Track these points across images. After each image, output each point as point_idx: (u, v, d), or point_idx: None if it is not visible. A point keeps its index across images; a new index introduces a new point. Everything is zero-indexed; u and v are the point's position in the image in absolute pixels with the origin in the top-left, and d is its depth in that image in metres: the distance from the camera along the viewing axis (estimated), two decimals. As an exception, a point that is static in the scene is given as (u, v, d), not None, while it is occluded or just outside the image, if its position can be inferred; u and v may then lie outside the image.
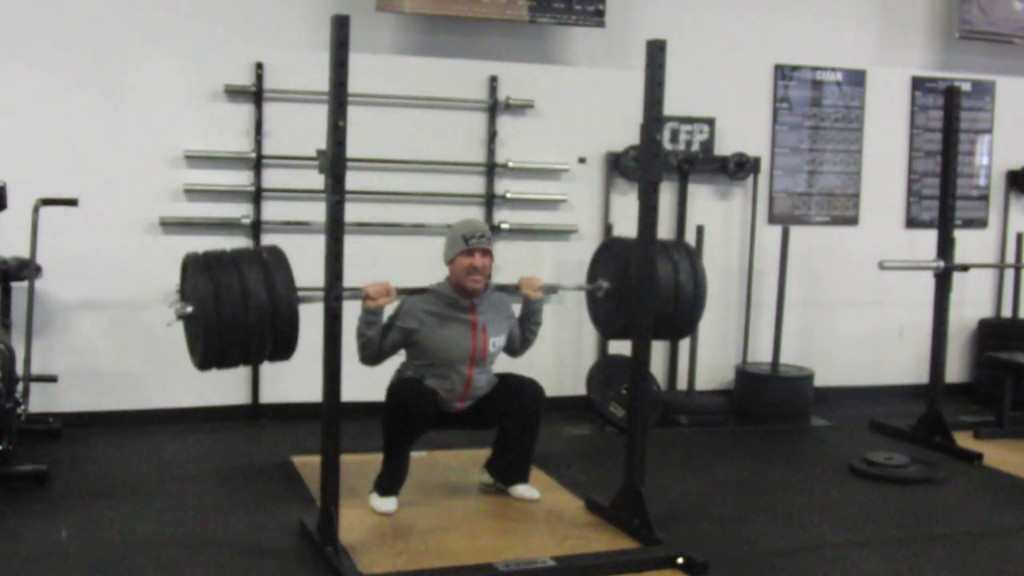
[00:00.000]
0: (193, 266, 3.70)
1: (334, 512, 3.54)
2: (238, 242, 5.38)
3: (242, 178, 5.41)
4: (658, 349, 6.00)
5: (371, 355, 4.11)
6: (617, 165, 5.92)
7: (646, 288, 3.88)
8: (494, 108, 5.73)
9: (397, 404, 4.08)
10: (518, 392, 4.26)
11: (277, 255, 3.75)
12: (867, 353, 6.60)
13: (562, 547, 3.77)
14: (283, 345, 3.73)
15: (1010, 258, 6.79)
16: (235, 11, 5.37)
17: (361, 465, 4.42)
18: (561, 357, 6.01)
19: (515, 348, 4.40)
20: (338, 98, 3.41)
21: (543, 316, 4.39)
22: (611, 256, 4.41)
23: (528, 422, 4.25)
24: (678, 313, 4.24)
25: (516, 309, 4.39)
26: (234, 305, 3.57)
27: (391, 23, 5.54)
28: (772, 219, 6.31)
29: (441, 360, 4.12)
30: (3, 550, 3.61)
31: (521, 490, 4.33)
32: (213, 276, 3.61)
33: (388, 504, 4.13)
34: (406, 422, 4.07)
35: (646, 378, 4.08)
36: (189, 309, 3.64)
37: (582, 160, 5.93)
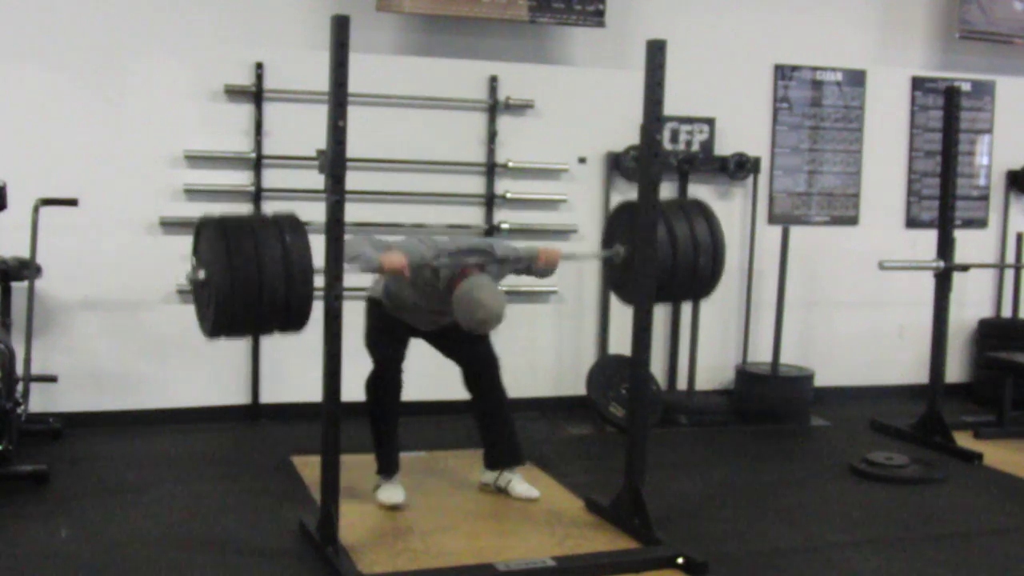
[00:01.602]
0: (207, 230, 3.51)
1: (334, 512, 3.54)
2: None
3: (242, 178, 5.41)
4: (658, 349, 6.00)
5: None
6: (617, 165, 5.91)
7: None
8: (494, 108, 5.73)
9: (375, 392, 4.23)
10: (479, 375, 4.36)
11: (294, 224, 3.53)
12: (867, 353, 6.60)
13: (562, 547, 3.77)
14: (296, 316, 3.51)
15: (1010, 258, 6.79)
16: (235, 11, 5.37)
17: (361, 465, 4.42)
18: (561, 357, 6.01)
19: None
20: (338, 98, 3.41)
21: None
22: (628, 220, 4.15)
23: (496, 407, 4.37)
24: (698, 273, 4.05)
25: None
26: (248, 273, 3.36)
27: (391, 23, 5.54)
28: (772, 219, 6.30)
29: (413, 306, 4.21)
30: (3, 550, 3.61)
31: (521, 489, 4.34)
32: (228, 241, 3.40)
33: (395, 495, 4.19)
34: (382, 406, 4.24)
35: (646, 378, 4.08)
36: (202, 275, 3.46)
37: (582, 160, 5.93)
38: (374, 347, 4.28)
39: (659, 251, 3.90)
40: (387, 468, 4.27)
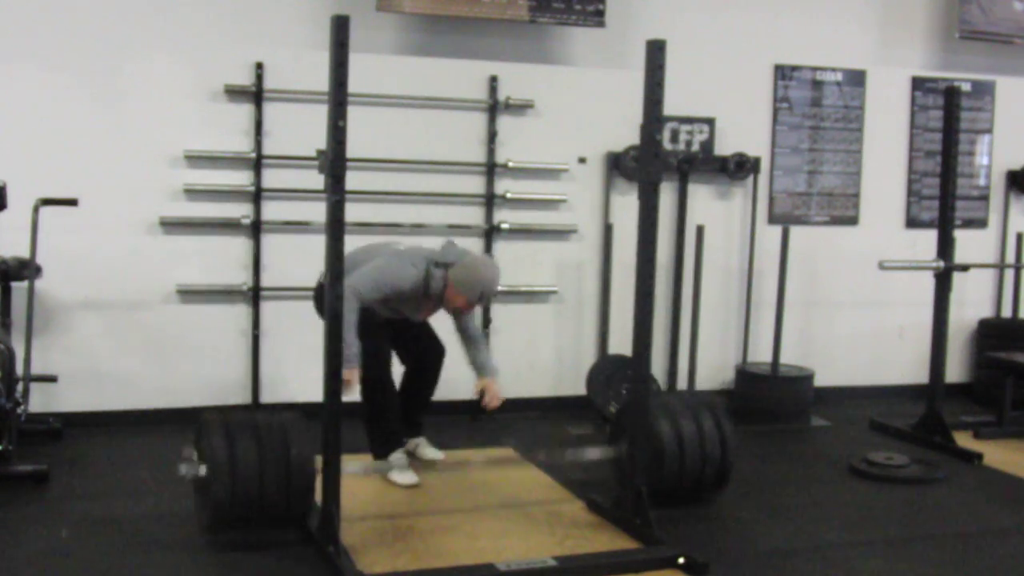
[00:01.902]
0: (208, 430, 3.64)
1: (334, 512, 3.54)
2: (238, 242, 5.40)
3: (242, 178, 5.41)
4: (658, 349, 5.98)
5: None
6: (617, 165, 5.91)
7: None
8: (494, 108, 5.73)
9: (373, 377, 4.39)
10: (429, 364, 4.67)
11: (297, 425, 3.70)
12: (867, 353, 6.60)
13: (563, 547, 3.77)
14: (293, 516, 3.71)
15: (1010, 258, 6.79)
16: (235, 11, 5.36)
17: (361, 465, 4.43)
18: (561, 357, 6.00)
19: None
20: (338, 98, 3.41)
21: None
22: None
23: (430, 391, 4.71)
24: (705, 477, 4.22)
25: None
26: (249, 486, 3.54)
27: (391, 23, 5.54)
28: (772, 219, 6.30)
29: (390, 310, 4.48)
30: (3, 550, 3.61)
31: (431, 452, 4.61)
32: (232, 446, 3.56)
33: (411, 476, 4.39)
34: (372, 376, 4.39)
35: (646, 378, 4.08)
36: (203, 472, 3.59)
37: (582, 160, 5.93)
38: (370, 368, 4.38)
39: (665, 455, 4.08)
40: (392, 443, 4.41)
